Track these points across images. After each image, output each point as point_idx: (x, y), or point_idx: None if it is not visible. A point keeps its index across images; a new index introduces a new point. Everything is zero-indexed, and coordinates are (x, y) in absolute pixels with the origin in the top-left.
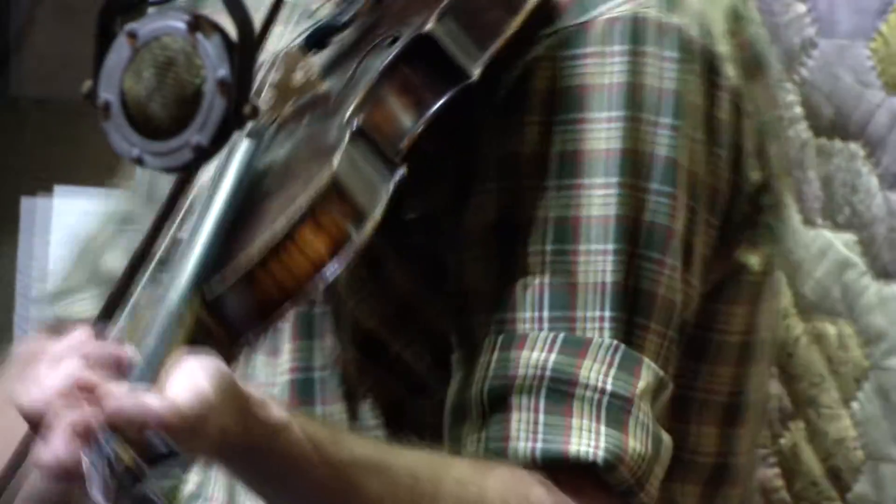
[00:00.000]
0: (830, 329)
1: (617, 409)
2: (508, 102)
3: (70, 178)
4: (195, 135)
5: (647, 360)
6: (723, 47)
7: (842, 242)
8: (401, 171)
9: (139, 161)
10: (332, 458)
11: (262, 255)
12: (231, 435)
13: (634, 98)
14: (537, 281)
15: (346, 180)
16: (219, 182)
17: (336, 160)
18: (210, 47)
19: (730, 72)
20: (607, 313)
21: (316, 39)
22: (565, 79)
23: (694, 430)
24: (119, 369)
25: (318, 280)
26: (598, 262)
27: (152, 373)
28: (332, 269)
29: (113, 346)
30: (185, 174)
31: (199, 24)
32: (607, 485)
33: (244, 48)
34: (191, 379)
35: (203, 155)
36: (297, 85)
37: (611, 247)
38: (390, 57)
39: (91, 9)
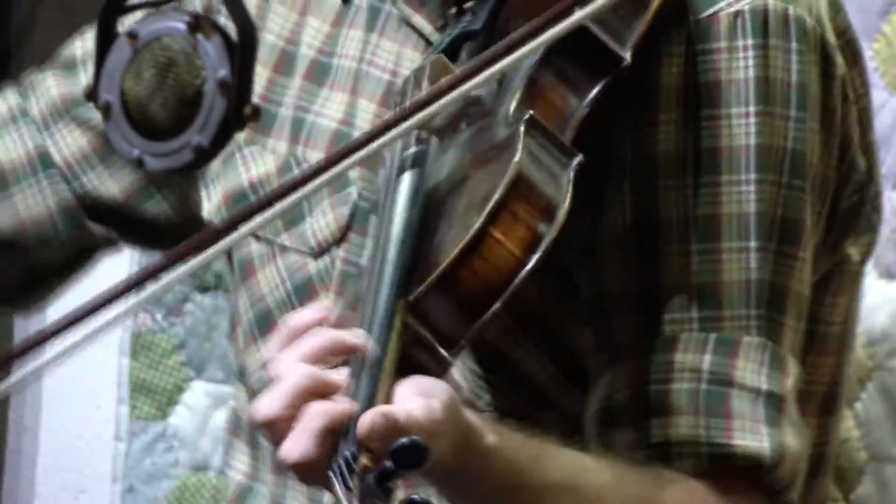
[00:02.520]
0: None
1: (773, 408)
2: (639, 100)
3: None
4: (196, 135)
5: (788, 355)
6: (831, 35)
7: None
8: (578, 158)
9: (140, 162)
10: (530, 483)
11: (462, 252)
12: (445, 460)
13: (766, 92)
14: (683, 281)
15: (530, 171)
16: (394, 191)
17: (518, 151)
18: (210, 48)
19: (839, 60)
20: (753, 311)
21: (452, 48)
22: (697, 75)
23: None
24: (352, 356)
25: (520, 274)
26: (741, 260)
27: (376, 381)
28: (532, 263)
29: (348, 335)
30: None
31: (199, 24)
32: (765, 485)
33: (245, 49)
34: (424, 395)
35: (204, 156)
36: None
37: (753, 244)
38: (543, 49)
39: (91, 9)
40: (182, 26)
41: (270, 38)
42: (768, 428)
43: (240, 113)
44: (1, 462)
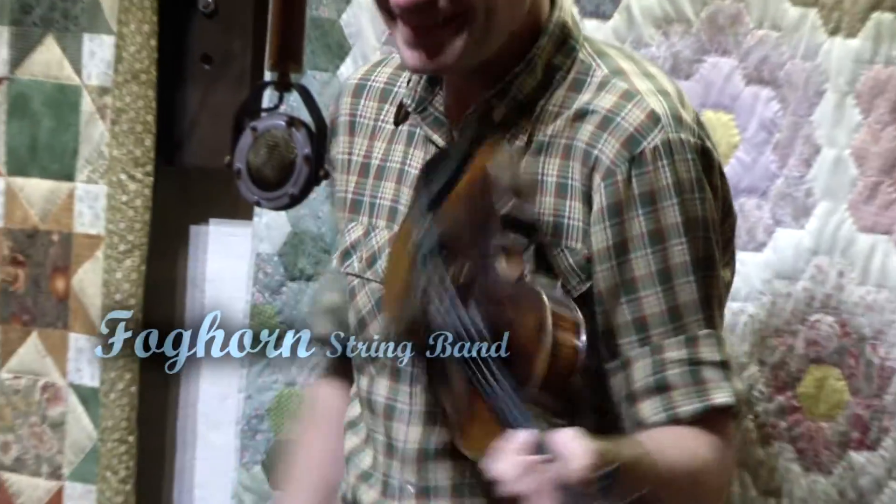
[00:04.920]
0: None
1: (726, 369)
2: (605, 210)
3: (220, 215)
4: (291, 188)
5: (722, 334)
6: (707, 142)
7: None
8: (559, 282)
9: (258, 203)
10: (670, 469)
11: (544, 367)
12: (622, 464)
13: (680, 188)
14: (658, 309)
15: (550, 301)
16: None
17: (543, 295)
18: (300, 136)
19: (715, 154)
20: (701, 315)
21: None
22: (639, 187)
23: None
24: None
25: (580, 360)
26: (688, 287)
27: (548, 447)
28: (582, 349)
29: (532, 436)
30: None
31: (293, 122)
32: (733, 414)
33: (320, 137)
34: (578, 444)
35: (295, 200)
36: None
37: (692, 277)
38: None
39: (231, 111)
40: (283, 123)
41: (355, 158)
42: (727, 382)
43: (317, 175)
44: (178, 377)
